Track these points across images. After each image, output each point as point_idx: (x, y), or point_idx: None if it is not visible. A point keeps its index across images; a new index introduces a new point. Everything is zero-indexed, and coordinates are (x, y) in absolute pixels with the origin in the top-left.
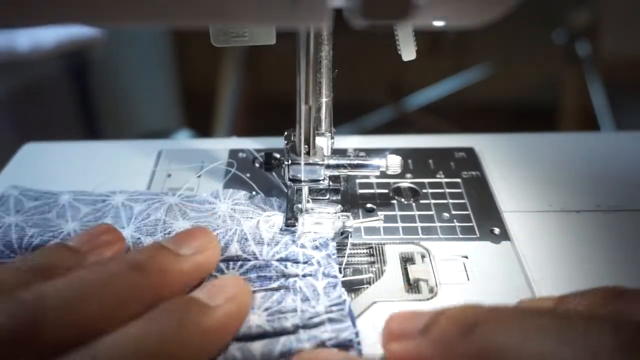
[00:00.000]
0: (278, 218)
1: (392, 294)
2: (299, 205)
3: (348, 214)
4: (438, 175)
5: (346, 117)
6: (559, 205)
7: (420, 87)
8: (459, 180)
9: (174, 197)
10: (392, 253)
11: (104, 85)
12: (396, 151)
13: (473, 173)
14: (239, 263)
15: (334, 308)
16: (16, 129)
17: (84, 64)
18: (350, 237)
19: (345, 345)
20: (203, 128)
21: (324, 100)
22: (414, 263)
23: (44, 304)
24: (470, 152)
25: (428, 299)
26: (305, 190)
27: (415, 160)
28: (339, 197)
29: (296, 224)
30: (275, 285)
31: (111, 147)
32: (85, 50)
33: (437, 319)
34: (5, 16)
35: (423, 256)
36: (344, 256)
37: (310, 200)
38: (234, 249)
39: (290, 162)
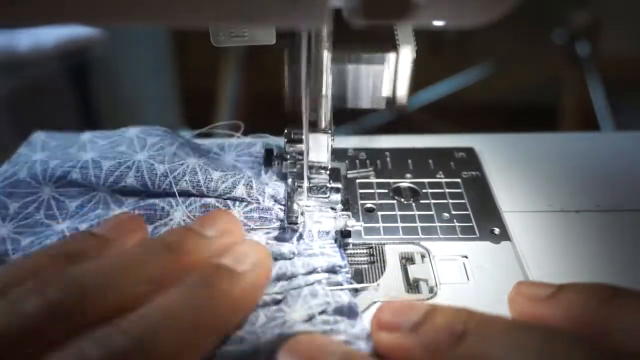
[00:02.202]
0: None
1: (392, 294)
2: (299, 203)
3: (348, 213)
4: (438, 175)
5: (346, 117)
6: (558, 205)
7: (420, 87)
8: (458, 180)
9: (184, 137)
10: (392, 253)
11: (104, 85)
12: (396, 151)
13: (473, 173)
14: (244, 203)
15: (326, 245)
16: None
17: (84, 64)
18: (350, 237)
19: (334, 271)
20: (203, 128)
21: (323, 98)
22: (413, 263)
23: (89, 281)
24: (470, 152)
25: (428, 299)
26: (305, 188)
27: (415, 160)
28: (339, 196)
29: (297, 223)
30: (275, 225)
31: None
32: (85, 50)
33: (429, 319)
34: (5, 16)
35: (423, 256)
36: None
37: (311, 198)
38: (240, 192)
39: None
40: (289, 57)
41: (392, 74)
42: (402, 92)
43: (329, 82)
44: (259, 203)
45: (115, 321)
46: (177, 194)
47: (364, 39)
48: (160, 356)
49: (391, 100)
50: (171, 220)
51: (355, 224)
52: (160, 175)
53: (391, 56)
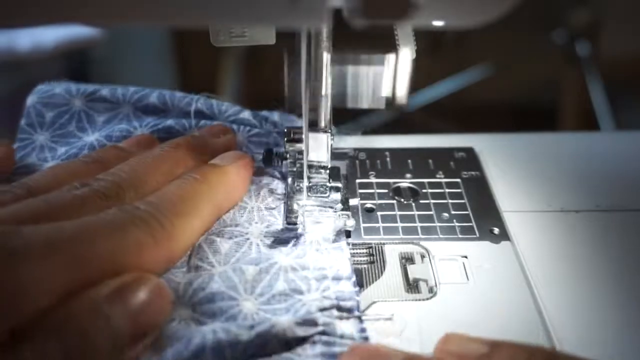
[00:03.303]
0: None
1: (392, 294)
2: (299, 202)
3: (348, 212)
4: (438, 175)
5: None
6: (558, 205)
7: (420, 87)
8: (458, 180)
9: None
10: (392, 253)
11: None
12: (396, 151)
13: (473, 173)
14: (248, 128)
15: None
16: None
17: (84, 64)
18: (350, 236)
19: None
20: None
21: (323, 99)
22: (413, 263)
23: (123, 176)
24: (470, 152)
25: (428, 299)
26: (304, 187)
27: (415, 160)
28: (339, 195)
29: (297, 224)
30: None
31: None
32: (85, 50)
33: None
34: (5, 16)
35: (423, 256)
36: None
37: (311, 197)
38: (246, 115)
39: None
40: (289, 60)
41: (391, 75)
42: (402, 92)
43: (329, 82)
44: (262, 128)
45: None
46: (192, 113)
47: (364, 39)
48: (166, 224)
49: (390, 100)
50: None
51: (353, 222)
52: (179, 97)
53: (391, 57)
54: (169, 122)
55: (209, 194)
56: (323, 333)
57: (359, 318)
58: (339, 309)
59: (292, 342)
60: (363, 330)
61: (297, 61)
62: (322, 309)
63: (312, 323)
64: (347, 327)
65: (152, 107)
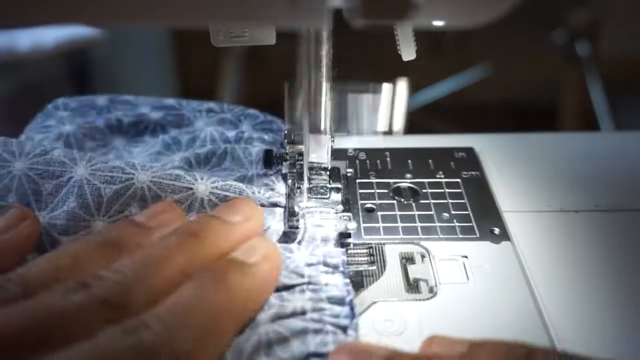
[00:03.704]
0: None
1: (392, 294)
2: (300, 205)
3: (349, 214)
4: (438, 175)
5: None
6: (558, 205)
7: (420, 87)
8: (458, 180)
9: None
10: (392, 253)
11: (104, 85)
12: (396, 151)
13: (473, 173)
14: (254, 118)
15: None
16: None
17: (84, 64)
18: (350, 237)
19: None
20: None
21: (323, 99)
22: (413, 263)
23: (130, 275)
24: (470, 152)
25: (428, 299)
26: (305, 189)
27: (415, 160)
28: (340, 196)
29: (298, 227)
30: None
31: None
32: (85, 50)
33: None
34: (5, 16)
35: (423, 256)
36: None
37: (311, 199)
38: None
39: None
40: (289, 90)
41: (387, 105)
42: (398, 125)
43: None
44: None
45: (139, 317)
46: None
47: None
48: (181, 351)
49: (387, 132)
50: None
51: (355, 225)
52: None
53: (386, 87)
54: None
55: (231, 302)
56: (309, 283)
57: (343, 273)
58: (325, 264)
59: (281, 289)
60: (347, 284)
61: (297, 95)
62: (309, 264)
63: (300, 274)
64: (332, 279)
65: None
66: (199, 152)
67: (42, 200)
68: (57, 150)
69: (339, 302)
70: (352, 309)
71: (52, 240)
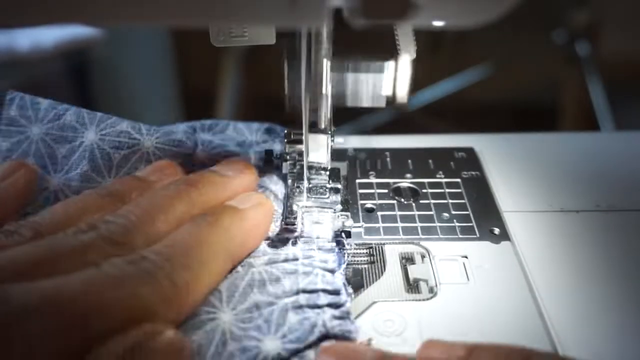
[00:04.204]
0: None
1: (392, 294)
2: (299, 204)
3: (347, 213)
4: (438, 175)
5: (346, 117)
6: (558, 205)
7: (420, 87)
8: (458, 180)
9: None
10: (392, 253)
11: (104, 85)
12: (396, 151)
13: (473, 173)
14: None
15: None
16: None
17: (84, 64)
18: (350, 237)
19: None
20: None
21: (323, 99)
22: (413, 263)
23: (132, 218)
24: (470, 152)
25: (428, 299)
26: (304, 189)
27: (415, 160)
28: (339, 196)
29: (296, 224)
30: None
31: None
32: (85, 50)
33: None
34: (5, 16)
35: (423, 256)
36: (344, 256)
37: (310, 199)
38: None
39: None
40: (288, 53)
41: (392, 76)
42: (403, 91)
43: (329, 82)
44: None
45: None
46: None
47: (364, 39)
48: (176, 277)
49: (391, 99)
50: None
51: (354, 225)
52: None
53: (390, 63)
54: (180, 134)
55: (224, 242)
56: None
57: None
58: (319, 249)
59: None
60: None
61: (296, 60)
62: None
63: (294, 257)
64: (324, 256)
65: None
66: (204, 122)
67: (58, 163)
68: (68, 114)
69: (328, 250)
70: (339, 257)
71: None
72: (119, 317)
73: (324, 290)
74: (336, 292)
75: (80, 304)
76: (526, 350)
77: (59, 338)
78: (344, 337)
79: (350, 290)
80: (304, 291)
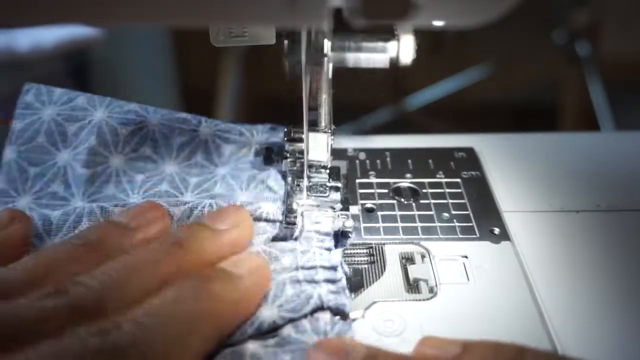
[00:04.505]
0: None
1: (392, 294)
2: (299, 202)
3: (348, 213)
4: (438, 175)
5: (346, 117)
6: (558, 205)
7: (420, 87)
8: (459, 180)
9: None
10: (392, 253)
11: (104, 85)
12: (396, 151)
13: (473, 173)
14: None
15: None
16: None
17: (84, 63)
18: (350, 236)
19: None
20: None
21: (323, 99)
22: (413, 263)
23: (107, 282)
24: (470, 152)
25: (428, 299)
26: (304, 187)
27: (415, 160)
28: (339, 195)
29: (296, 224)
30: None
31: None
32: (85, 50)
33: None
34: (5, 16)
35: (423, 256)
36: (344, 256)
37: (310, 197)
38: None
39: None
40: (289, 48)
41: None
42: (407, 56)
43: (329, 81)
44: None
45: (112, 319)
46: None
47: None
48: (151, 354)
49: (395, 61)
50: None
51: (352, 223)
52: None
53: (392, 45)
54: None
55: (213, 313)
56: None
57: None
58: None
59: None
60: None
61: (297, 49)
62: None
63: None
64: (323, 236)
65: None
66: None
67: (67, 140)
68: (80, 98)
69: (325, 234)
70: (335, 241)
71: (75, 175)
72: None
73: (322, 267)
74: (333, 268)
75: None
76: (520, 346)
77: None
78: (338, 310)
79: (347, 269)
80: (303, 267)
